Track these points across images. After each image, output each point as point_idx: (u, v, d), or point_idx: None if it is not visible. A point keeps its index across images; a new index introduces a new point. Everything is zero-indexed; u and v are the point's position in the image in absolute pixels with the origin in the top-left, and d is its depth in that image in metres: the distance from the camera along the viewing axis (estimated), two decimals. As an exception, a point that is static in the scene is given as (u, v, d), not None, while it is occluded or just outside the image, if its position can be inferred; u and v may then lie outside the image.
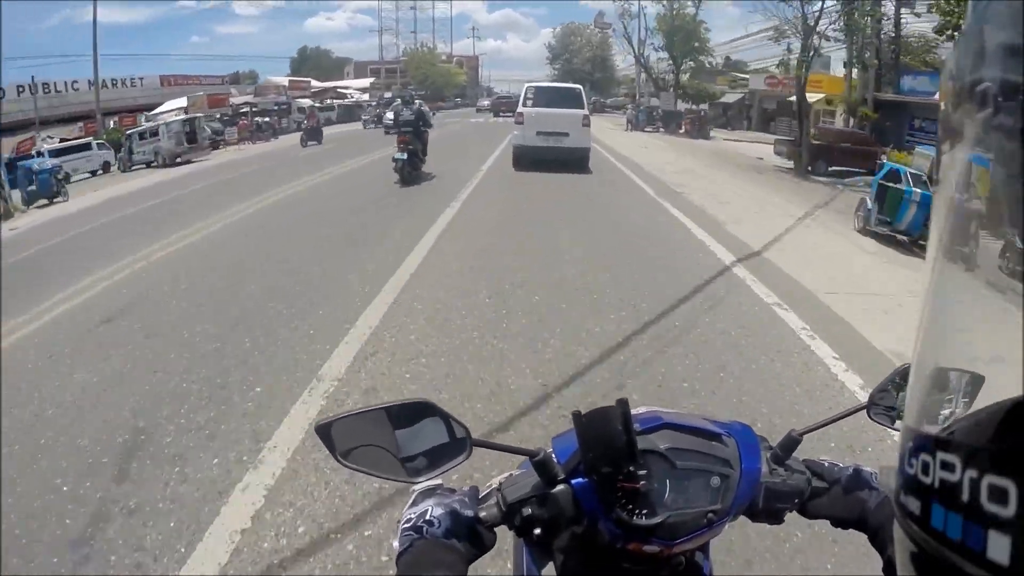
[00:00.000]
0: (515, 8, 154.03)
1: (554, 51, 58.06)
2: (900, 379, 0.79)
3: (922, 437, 0.31)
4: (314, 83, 39.67)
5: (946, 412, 0.34)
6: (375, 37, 60.98)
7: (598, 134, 22.97)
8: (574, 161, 11.73)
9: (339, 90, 39.83)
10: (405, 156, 10.00)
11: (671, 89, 28.79)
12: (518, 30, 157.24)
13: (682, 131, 25.81)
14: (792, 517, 0.76)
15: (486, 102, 47.59)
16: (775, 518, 0.74)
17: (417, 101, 11.06)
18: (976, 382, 0.32)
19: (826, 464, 0.77)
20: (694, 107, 31.74)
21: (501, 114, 36.80)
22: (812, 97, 27.33)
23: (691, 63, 27.99)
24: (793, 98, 29.08)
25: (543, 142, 11.62)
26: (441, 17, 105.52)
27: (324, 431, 0.67)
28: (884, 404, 0.81)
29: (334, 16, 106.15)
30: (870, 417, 0.81)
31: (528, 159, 11.75)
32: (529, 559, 0.78)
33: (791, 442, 0.75)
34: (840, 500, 0.74)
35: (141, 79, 34.72)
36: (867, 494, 0.72)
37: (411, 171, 10.19)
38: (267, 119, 28.51)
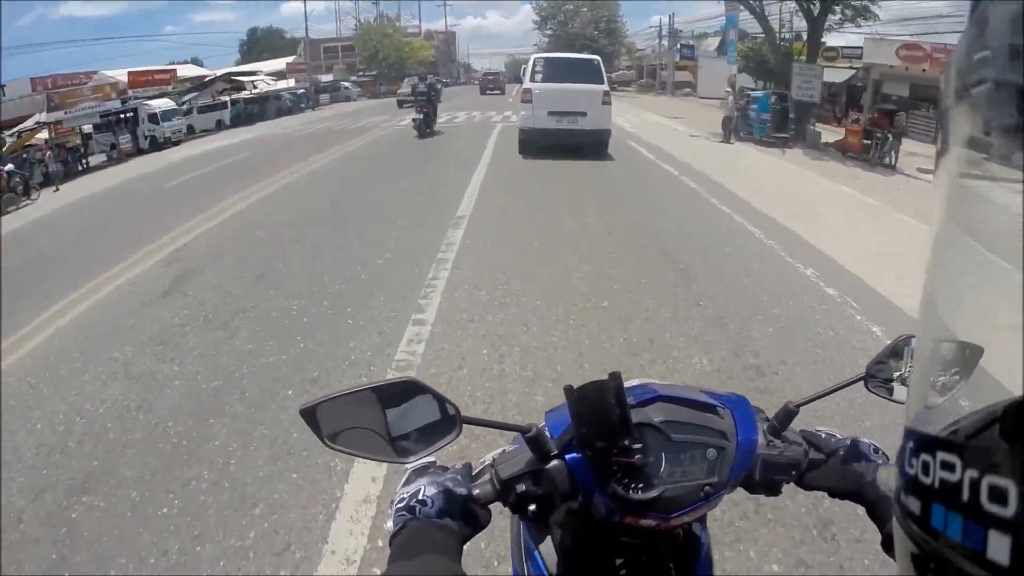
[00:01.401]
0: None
1: (544, 11, 44.29)
2: (896, 350, 0.79)
3: (922, 437, 0.31)
4: (192, 71, 26.30)
5: (942, 385, 0.33)
6: (351, 19, 48.13)
7: (682, 154, 11.37)
8: (591, 146, 10.24)
9: (235, 78, 26.60)
10: (421, 116, 13.60)
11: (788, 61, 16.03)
12: (498, 6, 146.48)
13: (827, 143, 13.33)
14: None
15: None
16: (772, 490, 0.73)
17: (429, 77, 16.84)
18: (974, 353, 0.32)
19: (823, 435, 0.76)
20: (780, 91, 19.56)
21: (488, 92, 33.33)
22: None
23: (845, 12, 14.03)
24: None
25: (556, 124, 10.04)
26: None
27: (309, 414, 0.63)
28: (881, 376, 0.79)
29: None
30: (868, 388, 0.79)
31: (537, 145, 10.27)
32: (527, 534, 0.79)
33: (787, 414, 0.73)
34: (837, 472, 0.72)
35: (3, 86, 21.62)
36: (864, 466, 0.70)
37: (426, 128, 13.62)
38: (44, 155, 15.71)
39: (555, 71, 10.20)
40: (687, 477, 0.64)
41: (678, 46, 36.96)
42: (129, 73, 22.05)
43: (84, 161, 18.92)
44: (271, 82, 27.60)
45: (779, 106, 13.45)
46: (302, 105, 31.53)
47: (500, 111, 20.88)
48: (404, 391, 0.65)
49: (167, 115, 20.95)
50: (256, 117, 27.49)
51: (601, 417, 0.60)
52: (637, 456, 0.62)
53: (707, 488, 0.65)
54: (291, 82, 31.92)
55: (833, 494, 0.73)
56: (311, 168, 11.17)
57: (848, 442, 0.73)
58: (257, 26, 63.33)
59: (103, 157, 19.30)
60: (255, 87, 26.13)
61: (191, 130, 25.27)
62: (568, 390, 0.61)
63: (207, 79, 25.04)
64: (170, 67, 24.62)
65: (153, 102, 21.37)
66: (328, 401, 0.63)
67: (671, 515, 0.64)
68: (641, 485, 0.63)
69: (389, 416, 0.64)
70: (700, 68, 37.00)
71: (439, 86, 15.01)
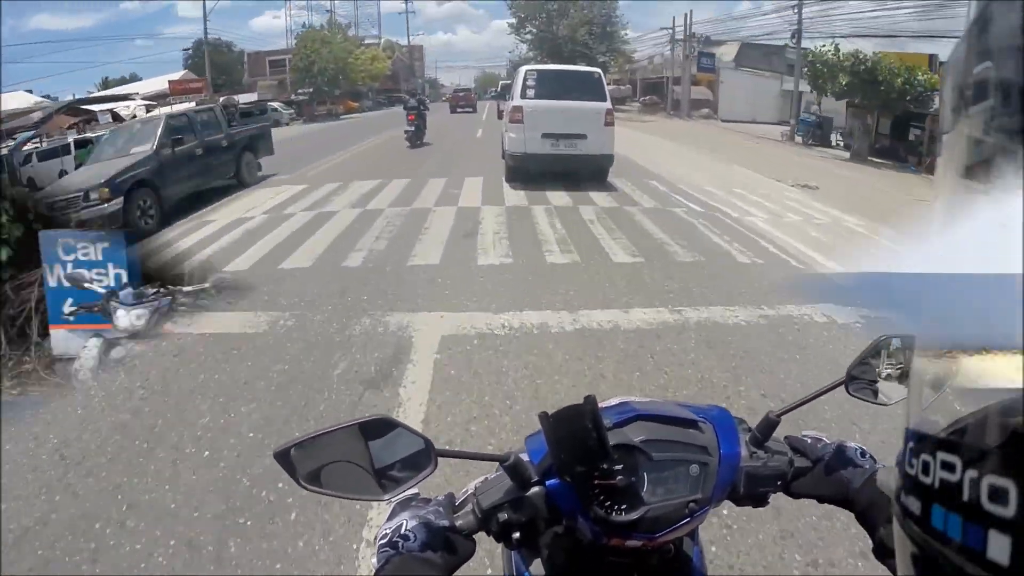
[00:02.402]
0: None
1: (522, 10, 35.73)
2: (877, 351, 0.77)
3: (922, 437, 0.31)
4: (18, 102, 17.17)
5: (934, 380, 0.34)
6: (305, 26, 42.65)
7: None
8: (591, 173, 8.97)
9: (87, 108, 17.82)
10: (413, 128, 15.50)
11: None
12: (468, 21, 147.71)
13: None
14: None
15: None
16: (759, 501, 0.72)
17: (419, 94, 22.44)
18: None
19: (808, 441, 0.75)
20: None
21: (460, 110, 32.00)
22: None
23: None
24: None
25: (551, 148, 8.65)
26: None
27: (283, 457, 0.63)
28: (866, 378, 0.77)
29: (280, 14, 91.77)
30: (849, 393, 0.77)
31: (529, 172, 8.83)
32: (517, 558, 0.78)
33: (769, 424, 0.72)
34: (824, 479, 0.71)
35: None
36: (851, 472, 0.70)
37: (416, 140, 15.58)
38: None
39: (550, 86, 8.76)
40: (671, 495, 0.64)
41: (695, 54, 29.66)
42: None
43: None
44: (142, 110, 18.89)
45: None
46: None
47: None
48: (378, 428, 0.65)
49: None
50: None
51: (578, 443, 0.59)
52: (618, 478, 0.61)
53: (691, 505, 0.64)
54: (182, 105, 22.93)
55: (822, 500, 0.72)
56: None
57: (834, 447, 0.72)
58: (201, 38, 53.57)
59: None
60: (115, 117, 17.52)
61: (33, 186, 16.62)
62: (543, 417, 0.60)
63: (41, 112, 16.14)
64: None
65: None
66: (301, 443, 0.63)
67: (656, 534, 0.63)
68: (624, 506, 0.62)
69: (369, 449, 0.64)
70: (721, 83, 29.98)
71: (427, 101, 18.65)
